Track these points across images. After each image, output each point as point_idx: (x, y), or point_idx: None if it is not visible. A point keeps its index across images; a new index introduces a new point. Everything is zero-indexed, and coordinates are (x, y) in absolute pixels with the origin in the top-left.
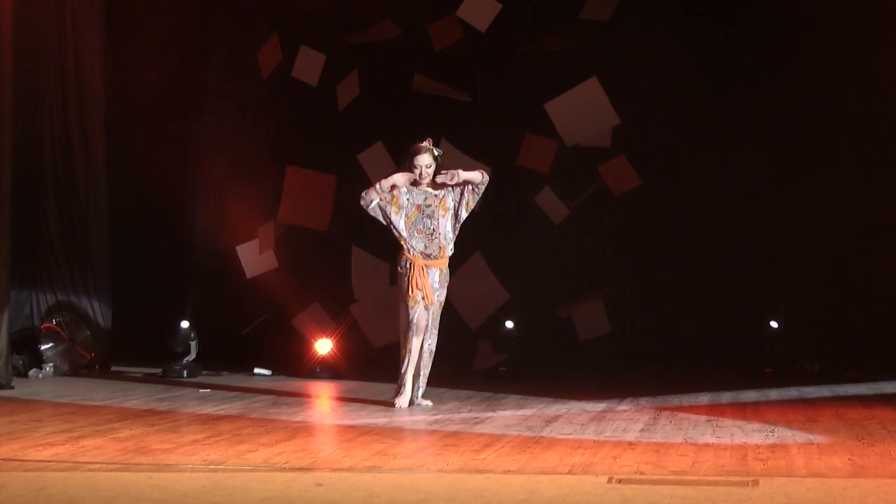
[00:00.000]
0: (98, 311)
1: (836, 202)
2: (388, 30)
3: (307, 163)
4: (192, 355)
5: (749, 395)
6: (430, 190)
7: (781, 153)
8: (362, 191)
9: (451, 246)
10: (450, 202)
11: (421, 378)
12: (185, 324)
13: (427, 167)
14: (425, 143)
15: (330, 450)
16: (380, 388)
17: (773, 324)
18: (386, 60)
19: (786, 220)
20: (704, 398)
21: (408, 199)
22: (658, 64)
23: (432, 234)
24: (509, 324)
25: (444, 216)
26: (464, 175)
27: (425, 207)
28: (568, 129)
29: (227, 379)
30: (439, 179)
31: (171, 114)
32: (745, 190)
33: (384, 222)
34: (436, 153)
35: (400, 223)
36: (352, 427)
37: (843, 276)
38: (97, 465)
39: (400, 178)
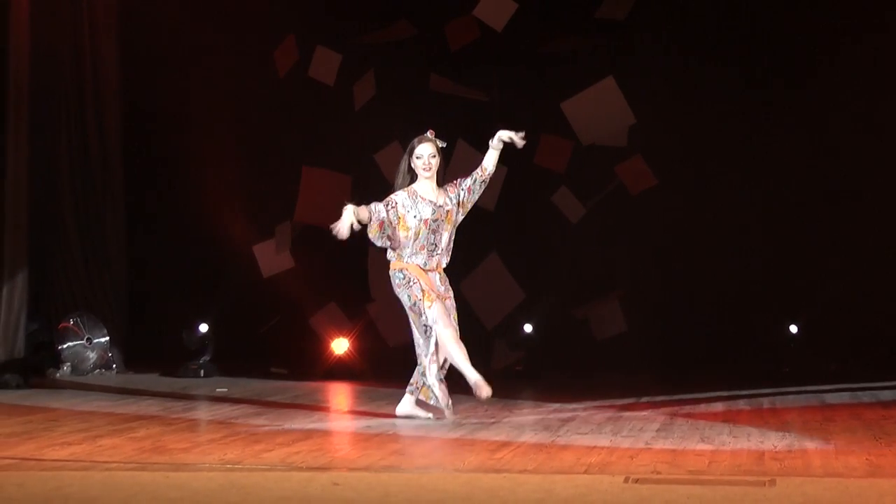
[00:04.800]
0: (115, 311)
1: (855, 201)
2: (404, 30)
3: (323, 163)
4: (209, 355)
5: (766, 395)
6: (435, 198)
7: (800, 152)
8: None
9: (448, 258)
10: (454, 215)
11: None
12: (203, 327)
13: (431, 157)
14: (427, 134)
15: (346, 449)
16: (396, 388)
17: (793, 328)
18: (402, 60)
19: (803, 219)
20: (721, 398)
21: (415, 217)
22: (674, 63)
23: (434, 249)
24: (528, 328)
25: (447, 230)
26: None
27: (432, 222)
28: (584, 129)
29: (243, 379)
30: (506, 137)
31: (188, 114)
32: (762, 189)
33: (390, 247)
34: (439, 144)
35: (409, 243)
36: (368, 426)
37: (860, 275)
38: (114, 465)
39: (364, 212)
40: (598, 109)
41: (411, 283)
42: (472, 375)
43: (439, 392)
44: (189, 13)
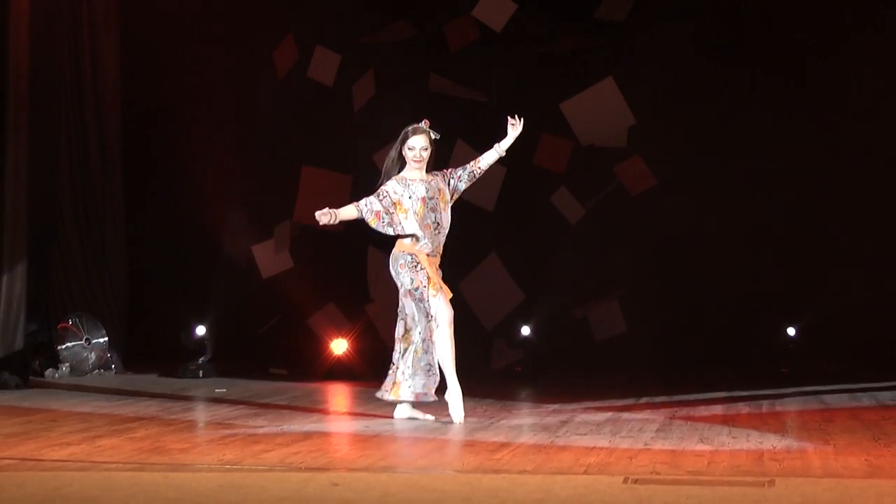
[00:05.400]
0: (114, 311)
1: (855, 203)
2: (403, 30)
3: (323, 162)
4: (208, 355)
5: (765, 396)
6: (426, 178)
7: (801, 152)
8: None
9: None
10: (447, 195)
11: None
12: (200, 330)
13: (423, 150)
14: (422, 125)
15: (345, 450)
16: None
17: (791, 331)
18: (402, 61)
19: (803, 219)
20: (720, 399)
21: (410, 198)
22: (674, 63)
23: (437, 229)
24: (525, 330)
25: (445, 210)
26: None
27: (429, 200)
28: (584, 129)
29: (242, 379)
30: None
31: (188, 114)
32: (762, 190)
33: (393, 232)
34: (433, 136)
35: (412, 225)
36: (367, 427)
37: (861, 276)
38: (113, 465)
39: (352, 210)
40: (598, 110)
41: (419, 268)
42: (456, 391)
43: (425, 381)
44: (189, 13)
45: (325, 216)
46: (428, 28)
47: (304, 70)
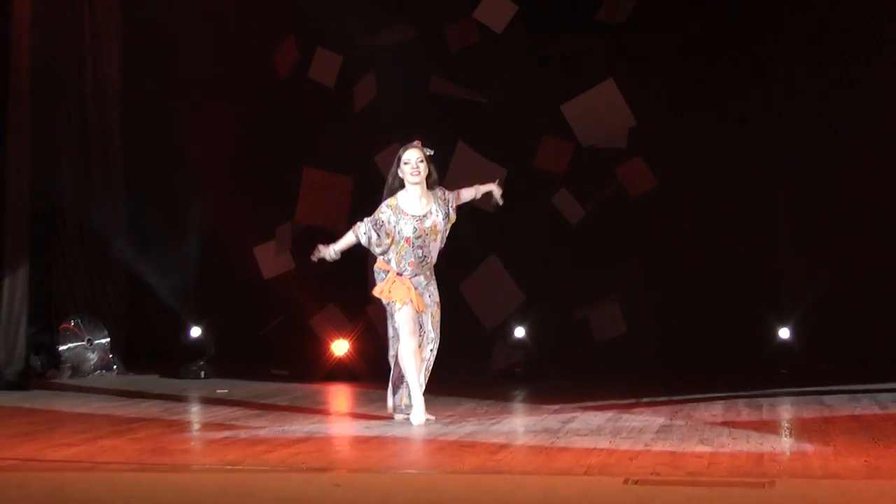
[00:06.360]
0: (116, 311)
1: (854, 204)
2: (404, 31)
3: (324, 164)
4: (209, 356)
5: (765, 397)
6: (421, 209)
7: (798, 155)
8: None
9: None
10: (441, 226)
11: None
12: (196, 331)
13: (419, 161)
14: (414, 143)
15: (347, 450)
16: None
17: (790, 332)
18: (403, 62)
19: (804, 221)
20: (720, 399)
21: (399, 233)
22: (674, 65)
23: (423, 262)
24: (520, 332)
25: (434, 240)
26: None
27: (415, 240)
28: (584, 131)
29: (243, 380)
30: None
31: (189, 115)
32: (761, 190)
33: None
34: (427, 152)
35: (392, 258)
36: (368, 428)
37: (860, 277)
38: (115, 466)
39: (351, 238)
40: (598, 111)
41: (391, 282)
42: (417, 396)
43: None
44: (190, 13)
45: (327, 252)
46: (429, 30)
47: (306, 71)
